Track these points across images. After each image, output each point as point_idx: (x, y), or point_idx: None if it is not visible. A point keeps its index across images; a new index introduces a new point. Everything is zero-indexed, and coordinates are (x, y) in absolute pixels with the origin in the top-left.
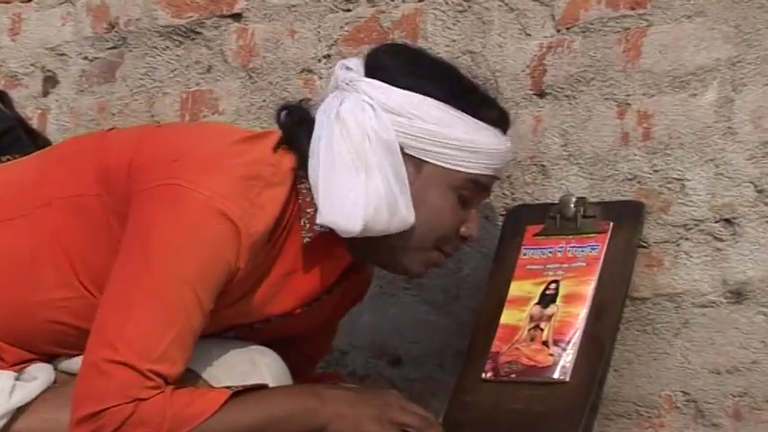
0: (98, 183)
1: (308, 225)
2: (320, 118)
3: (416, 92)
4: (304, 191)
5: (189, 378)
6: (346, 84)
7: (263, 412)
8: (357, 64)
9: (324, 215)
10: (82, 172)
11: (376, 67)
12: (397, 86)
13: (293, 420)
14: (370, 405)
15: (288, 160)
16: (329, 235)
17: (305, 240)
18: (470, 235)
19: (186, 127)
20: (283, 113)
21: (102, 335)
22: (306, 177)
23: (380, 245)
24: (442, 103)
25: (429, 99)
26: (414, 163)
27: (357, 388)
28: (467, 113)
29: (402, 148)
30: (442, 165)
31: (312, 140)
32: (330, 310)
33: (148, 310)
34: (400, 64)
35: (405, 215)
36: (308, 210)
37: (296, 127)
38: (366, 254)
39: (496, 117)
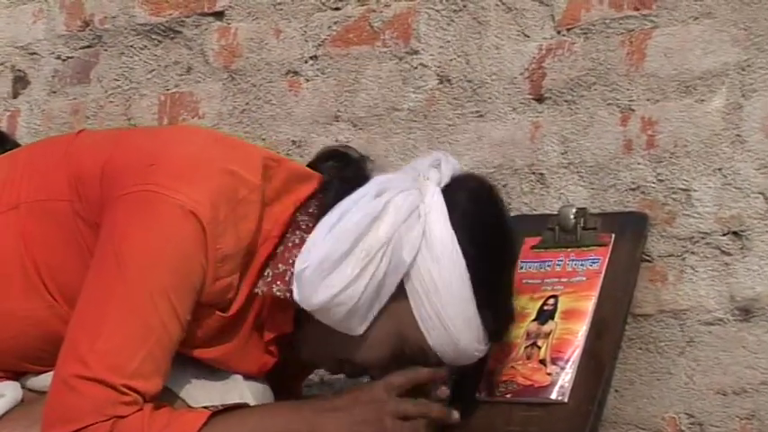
0: (70, 188)
1: (269, 278)
2: (375, 186)
3: (460, 246)
4: (290, 243)
5: (166, 396)
6: (423, 178)
7: None
8: (448, 169)
9: (298, 273)
10: (52, 176)
11: (452, 191)
12: (452, 224)
13: None
14: (359, 425)
15: (297, 195)
16: (283, 300)
17: (255, 290)
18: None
19: (163, 131)
20: (333, 164)
21: (74, 349)
22: (301, 232)
23: (314, 333)
24: (467, 276)
25: (462, 262)
26: (399, 291)
27: (343, 402)
28: (477, 302)
29: (404, 275)
30: (417, 319)
31: (346, 198)
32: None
33: (122, 323)
34: (473, 211)
35: (355, 325)
36: (280, 265)
37: (341, 181)
38: (302, 332)
39: (495, 329)
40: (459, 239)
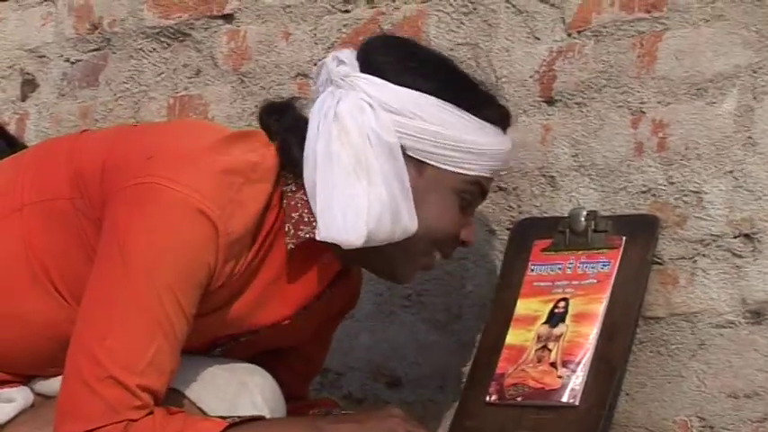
0: (71, 186)
1: (292, 231)
2: (315, 118)
3: (417, 90)
4: (289, 193)
5: (177, 400)
6: (341, 80)
7: None
8: (350, 57)
9: (324, 230)
10: (54, 176)
11: (372, 63)
12: (397, 84)
13: None
14: None
15: (271, 157)
16: (316, 241)
17: (289, 247)
18: (469, 240)
19: (162, 125)
20: (273, 118)
21: (84, 347)
22: (292, 179)
23: (377, 253)
24: (444, 102)
25: (431, 98)
26: (415, 165)
27: (358, 416)
28: (469, 112)
29: (404, 150)
30: (445, 167)
31: (306, 143)
32: (320, 317)
33: (130, 320)
34: (398, 59)
35: (407, 223)
36: (293, 214)
37: (287, 132)
38: (358, 260)
39: (498, 116)
40: (410, 85)
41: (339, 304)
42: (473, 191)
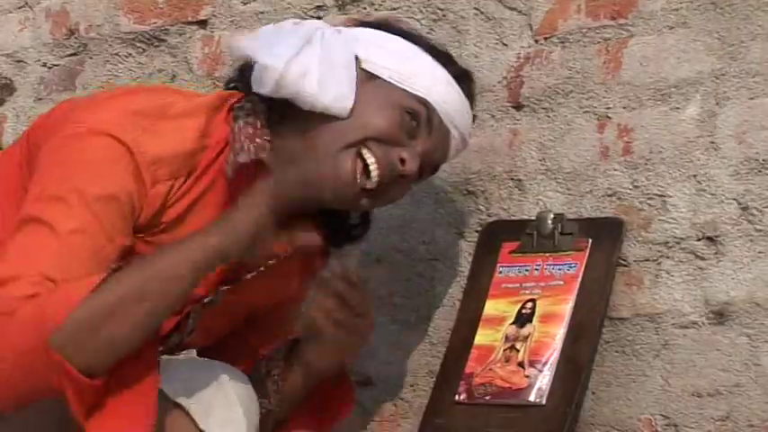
0: (21, 177)
1: (232, 158)
2: None
3: (386, 32)
4: (237, 128)
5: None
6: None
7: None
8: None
9: (253, 55)
10: (11, 194)
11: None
12: (366, 26)
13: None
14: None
15: (212, 99)
16: (255, 168)
17: (228, 173)
18: (408, 164)
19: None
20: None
21: None
22: (246, 112)
23: (307, 142)
24: (409, 43)
25: (397, 37)
26: (366, 74)
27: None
28: (431, 56)
29: (359, 62)
30: (396, 83)
31: None
32: (284, 272)
33: (35, 235)
34: (373, 21)
35: (344, 93)
36: (237, 144)
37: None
38: (291, 168)
39: (458, 72)
40: (380, 29)
41: (301, 266)
42: (419, 111)
